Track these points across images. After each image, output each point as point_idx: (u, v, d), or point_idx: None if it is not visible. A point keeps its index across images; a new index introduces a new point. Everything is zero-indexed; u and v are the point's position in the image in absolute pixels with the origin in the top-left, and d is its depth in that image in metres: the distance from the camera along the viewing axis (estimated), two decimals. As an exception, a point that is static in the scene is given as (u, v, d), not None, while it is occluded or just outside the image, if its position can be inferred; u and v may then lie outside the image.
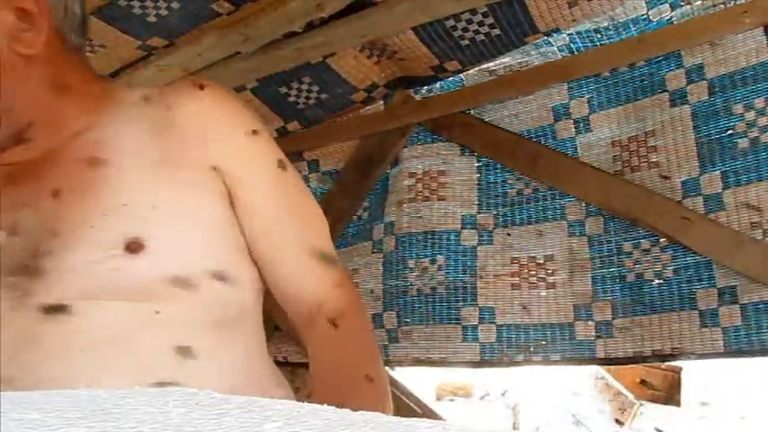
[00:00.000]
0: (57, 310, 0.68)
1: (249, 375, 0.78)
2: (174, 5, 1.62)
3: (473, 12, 1.59)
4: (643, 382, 4.15)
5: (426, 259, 1.91)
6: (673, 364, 3.85)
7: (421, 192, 1.96)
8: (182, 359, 0.71)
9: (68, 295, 0.69)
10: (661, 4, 1.57)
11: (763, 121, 1.50)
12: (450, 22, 1.63)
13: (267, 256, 0.82)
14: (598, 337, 1.69)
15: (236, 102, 0.86)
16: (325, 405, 0.36)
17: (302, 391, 1.93)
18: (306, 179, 2.11)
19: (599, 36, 1.67)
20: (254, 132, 0.83)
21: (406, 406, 2.28)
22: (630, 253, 1.68)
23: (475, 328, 1.83)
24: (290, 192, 0.85)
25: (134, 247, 0.70)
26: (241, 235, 0.81)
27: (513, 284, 1.82)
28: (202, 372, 0.71)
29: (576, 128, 1.78)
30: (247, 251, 0.81)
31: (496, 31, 1.64)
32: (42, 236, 0.71)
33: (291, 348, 2.13)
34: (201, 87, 0.82)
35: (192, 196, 0.77)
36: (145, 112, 0.80)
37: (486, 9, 1.58)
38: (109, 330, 0.69)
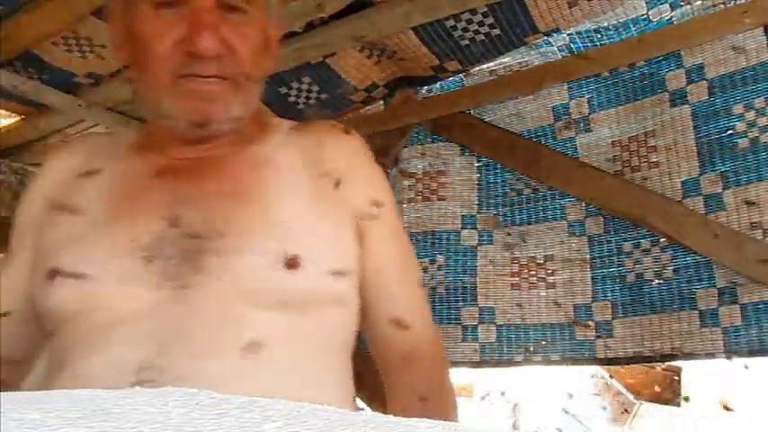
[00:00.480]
0: (213, 308, 0.72)
1: (347, 398, 0.83)
2: (174, 5, 1.62)
3: (473, 12, 1.59)
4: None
5: (426, 259, 1.91)
6: (673, 364, 3.85)
7: (421, 192, 1.96)
8: (314, 372, 0.76)
9: (226, 296, 0.73)
10: (661, 4, 1.57)
11: (763, 121, 1.50)
12: (450, 22, 1.63)
13: (378, 289, 0.89)
14: (598, 337, 1.69)
15: (371, 154, 0.96)
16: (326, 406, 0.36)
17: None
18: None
19: (599, 36, 1.67)
20: (386, 183, 0.96)
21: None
22: (630, 253, 1.68)
23: (475, 328, 1.83)
24: (402, 237, 0.95)
25: (292, 263, 0.76)
26: (360, 269, 0.88)
27: (513, 284, 1.82)
28: (321, 386, 0.77)
29: (576, 128, 1.78)
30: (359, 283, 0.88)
31: (496, 31, 1.64)
32: (208, 235, 0.76)
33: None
34: (348, 133, 0.93)
35: (334, 227, 0.84)
36: (298, 143, 0.89)
37: (486, 9, 1.57)
38: (255, 335, 0.73)
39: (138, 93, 0.86)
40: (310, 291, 0.78)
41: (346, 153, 0.90)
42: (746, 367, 1.73)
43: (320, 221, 0.82)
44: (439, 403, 0.88)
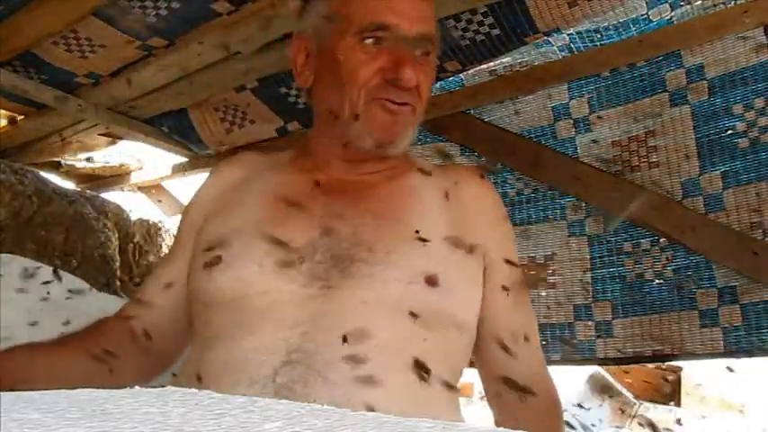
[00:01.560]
0: (354, 307, 0.82)
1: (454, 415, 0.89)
2: (174, 5, 1.62)
3: (473, 12, 1.59)
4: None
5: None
6: (673, 363, 3.85)
7: (421, 192, 1.96)
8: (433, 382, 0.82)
9: (368, 299, 0.82)
10: (661, 4, 1.57)
11: (763, 121, 1.50)
12: (450, 22, 1.63)
13: (499, 328, 0.95)
14: (598, 337, 1.69)
15: (500, 198, 1.06)
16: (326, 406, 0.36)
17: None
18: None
19: (599, 36, 1.67)
20: (509, 229, 1.04)
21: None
22: (630, 253, 1.68)
23: (475, 328, 1.82)
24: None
25: (431, 280, 0.84)
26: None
27: (513, 284, 1.81)
28: (437, 398, 0.83)
29: (575, 128, 1.78)
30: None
31: (496, 31, 1.64)
32: (357, 246, 0.86)
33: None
34: (482, 177, 1.02)
35: (466, 260, 0.91)
36: (439, 182, 0.98)
37: (486, 9, 1.57)
38: (387, 336, 0.81)
39: (322, 112, 0.99)
40: (446, 308, 0.86)
41: (478, 194, 0.99)
42: (730, 369, 1.73)
43: (456, 252, 0.90)
44: None
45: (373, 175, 0.97)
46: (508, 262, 0.97)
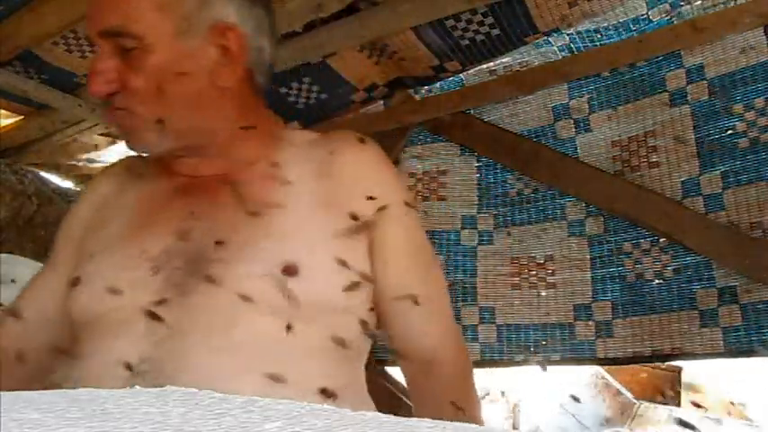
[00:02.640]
0: (209, 310, 0.78)
1: (353, 401, 0.84)
2: (174, 5, 1.62)
3: (473, 12, 1.59)
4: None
5: (426, 259, 1.91)
6: (673, 363, 3.85)
7: (421, 192, 1.96)
8: (302, 370, 0.78)
9: (223, 299, 0.78)
10: (661, 4, 1.57)
11: (763, 121, 1.50)
12: (451, 22, 1.63)
13: (396, 301, 0.90)
14: (598, 336, 1.69)
15: (390, 164, 0.97)
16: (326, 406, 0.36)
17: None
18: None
19: (599, 36, 1.67)
20: (405, 201, 0.93)
21: (406, 406, 2.28)
22: (630, 253, 1.68)
23: (475, 327, 1.83)
24: (417, 241, 0.95)
25: (290, 270, 0.79)
26: (371, 280, 0.89)
27: (513, 284, 1.81)
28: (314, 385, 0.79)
29: (575, 128, 1.78)
30: (371, 293, 0.89)
31: (496, 31, 1.64)
32: (211, 245, 0.81)
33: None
34: (362, 141, 0.93)
35: (340, 237, 0.85)
36: (311, 155, 0.91)
37: (486, 9, 1.57)
38: (247, 336, 0.77)
39: None
40: (310, 297, 0.80)
41: (355, 161, 0.91)
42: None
43: (325, 233, 0.84)
44: (467, 407, 0.90)
45: (232, 164, 0.90)
46: (397, 228, 0.90)
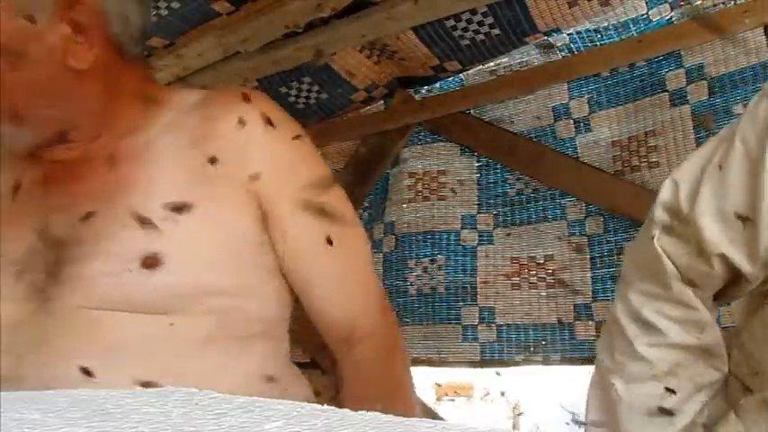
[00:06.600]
0: (68, 318, 0.71)
1: (262, 386, 0.79)
2: (174, 5, 1.61)
3: (473, 12, 1.59)
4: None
5: (426, 259, 1.91)
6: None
7: (421, 192, 1.96)
8: (197, 371, 0.73)
9: (81, 304, 0.71)
10: (661, 4, 1.57)
11: (763, 121, 1.50)
12: (451, 22, 1.63)
13: (301, 276, 0.83)
14: (598, 336, 1.69)
15: (280, 112, 0.83)
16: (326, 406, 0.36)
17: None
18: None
19: (599, 36, 1.67)
20: (294, 157, 0.82)
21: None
22: (630, 253, 1.68)
23: (475, 327, 1.83)
24: (314, 212, 0.83)
25: (150, 262, 0.71)
26: (271, 254, 0.81)
27: (513, 284, 1.81)
28: (215, 383, 0.73)
29: (575, 128, 1.78)
30: (278, 270, 0.82)
31: (496, 31, 1.64)
32: (69, 242, 0.73)
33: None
34: (247, 99, 0.80)
35: (220, 213, 0.76)
36: (187, 122, 0.80)
37: (486, 9, 1.57)
38: (112, 339, 0.71)
39: None
40: (178, 288, 0.73)
41: (237, 126, 0.78)
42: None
43: (200, 210, 0.74)
44: (391, 386, 0.84)
45: (98, 144, 0.79)
46: (295, 199, 0.80)
